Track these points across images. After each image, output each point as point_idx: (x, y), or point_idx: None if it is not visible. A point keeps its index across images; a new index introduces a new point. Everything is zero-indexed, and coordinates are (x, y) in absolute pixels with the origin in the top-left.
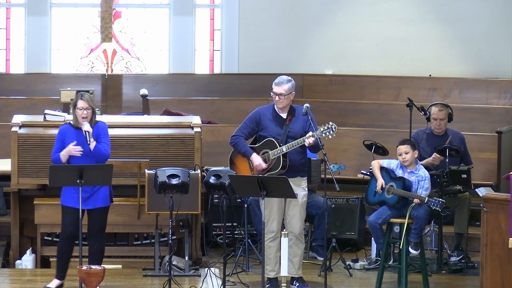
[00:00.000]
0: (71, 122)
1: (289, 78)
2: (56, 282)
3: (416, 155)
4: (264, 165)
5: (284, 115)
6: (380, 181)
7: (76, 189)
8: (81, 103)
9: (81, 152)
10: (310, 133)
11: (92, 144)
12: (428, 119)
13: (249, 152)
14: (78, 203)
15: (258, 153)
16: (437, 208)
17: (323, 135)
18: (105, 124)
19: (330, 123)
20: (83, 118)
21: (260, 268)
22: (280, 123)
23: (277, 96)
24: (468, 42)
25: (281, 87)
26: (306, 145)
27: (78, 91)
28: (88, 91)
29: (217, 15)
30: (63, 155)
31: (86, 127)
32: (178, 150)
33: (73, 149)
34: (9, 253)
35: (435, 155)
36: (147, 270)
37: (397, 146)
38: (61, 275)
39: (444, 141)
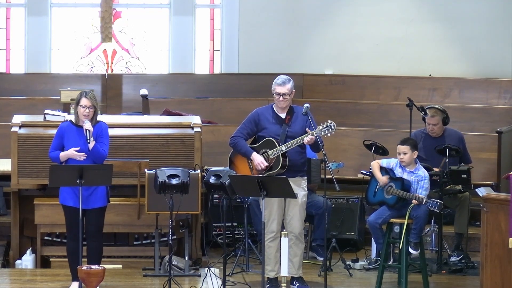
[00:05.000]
0: (72, 120)
1: (288, 77)
2: (75, 284)
3: (415, 156)
4: (265, 164)
5: (283, 115)
6: (383, 178)
7: (73, 188)
8: (84, 101)
9: (85, 157)
10: (309, 131)
11: (91, 143)
12: (424, 120)
13: (249, 152)
14: (77, 202)
15: (257, 153)
16: (435, 210)
17: (322, 133)
18: (106, 125)
19: (329, 121)
20: (84, 116)
21: (260, 268)
22: (279, 123)
23: (281, 97)
24: (468, 42)
25: (285, 86)
26: (305, 143)
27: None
28: (91, 91)
29: (217, 15)
30: (63, 156)
31: (87, 125)
32: (178, 150)
33: (78, 156)
34: (9, 253)
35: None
36: (147, 270)
37: (397, 145)
38: (78, 276)
39: (441, 142)
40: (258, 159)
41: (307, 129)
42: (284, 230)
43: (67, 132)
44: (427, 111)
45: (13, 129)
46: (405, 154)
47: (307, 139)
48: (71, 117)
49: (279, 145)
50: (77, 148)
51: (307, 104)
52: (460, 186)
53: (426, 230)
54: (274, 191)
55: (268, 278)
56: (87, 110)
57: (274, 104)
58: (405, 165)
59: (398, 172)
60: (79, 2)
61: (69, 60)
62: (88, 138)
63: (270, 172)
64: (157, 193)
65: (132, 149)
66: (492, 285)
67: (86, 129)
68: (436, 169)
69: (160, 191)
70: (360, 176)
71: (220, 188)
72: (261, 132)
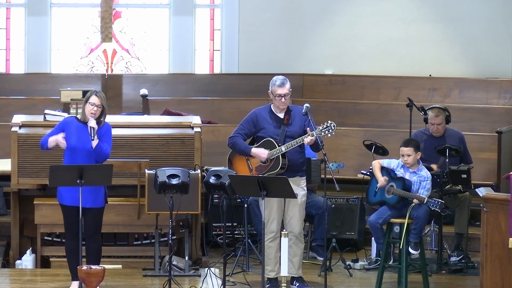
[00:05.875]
0: (78, 116)
1: (284, 77)
2: (75, 284)
3: (418, 157)
4: (266, 152)
5: (281, 115)
6: (382, 178)
7: (72, 187)
8: (93, 99)
9: (64, 144)
10: (309, 132)
11: (95, 141)
12: (426, 121)
13: (248, 148)
14: (75, 201)
15: None
16: (437, 209)
17: (322, 133)
18: (110, 126)
19: (329, 121)
20: (91, 114)
21: (260, 268)
22: (278, 123)
23: (283, 98)
24: (468, 42)
25: (285, 87)
26: (306, 143)
27: (84, 91)
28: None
29: (217, 15)
30: (51, 141)
31: (92, 123)
32: (178, 150)
33: (61, 142)
34: (9, 253)
35: (434, 167)
36: (147, 270)
37: (400, 146)
38: (77, 275)
39: (442, 142)
40: (258, 151)
41: (307, 129)
42: (284, 230)
43: (71, 126)
44: (428, 112)
45: (13, 129)
46: (409, 156)
47: (307, 139)
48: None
49: (279, 146)
50: (63, 134)
51: (307, 104)
52: (460, 186)
53: (426, 230)
54: (274, 191)
55: (268, 278)
56: (95, 109)
57: (271, 105)
58: (409, 167)
59: (400, 173)
60: (79, 2)
61: (69, 60)
62: (92, 135)
63: (270, 173)
64: (157, 193)
65: (132, 149)
66: (492, 285)
67: (90, 127)
68: (433, 166)
69: (160, 191)
70: (360, 176)
71: (220, 188)
72: (260, 132)
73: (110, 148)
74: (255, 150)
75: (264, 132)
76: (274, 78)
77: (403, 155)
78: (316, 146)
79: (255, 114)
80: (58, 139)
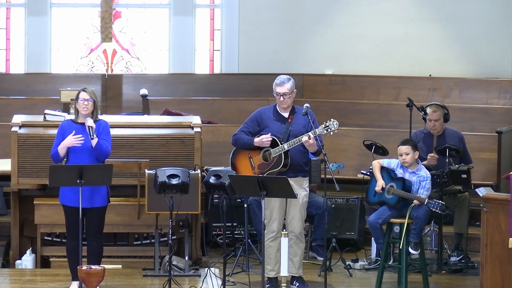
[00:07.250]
0: (72, 118)
1: (288, 76)
2: (75, 284)
3: (417, 156)
4: (268, 137)
5: (286, 115)
6: (380, 182)
7: (74, 188)
8: (82, 94)
9: (83, 141)
10: (310, 133)
11: (95, 140)
12: (425, 120)
13: (251, 139)
14: (77, 202)
15: (259, 151)
16: (437, 210)
17: (325, 131)
18: (107, 122)
19: (332, 119)
20: (83, 110)
21: (260, 268)
22: (282, 122)
23: (281, 97)
24: (468, 42)
25: (284, 86)
26: (303, 142)
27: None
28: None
29: (217, 15)
30: (61, 148)
31: (90, 122)
32: (178, 150)
33: (74, 138)
34: (9, 253)
35: (429, 156)
36: (147, 270)
37: (398, 146)
38: (77, 275)
39: (441, 142)
40: (261, 137)
41: (309, 133)
42: (284, 230)
43: (69, 129)
44: (427, 109)
45: (13, 129)
46: (407, 154)
47: (305, 138)
48: (71, 117)
49: (281, 144)
50: (73, 133)
51: (307, 104)
52: (460, 186)
53: (426, 230)
54: (274, 191)
55: (268, 278)
56: (85, 103)
57: (276, 104)
58: (407, 166)
59: (399, 173)
60: (79, 2)
61: (69, 60)
62: (91, 135)
63: (272, 171)
64: (157, 193)
65: (132, 149)
66: (492, 285)
67: (88, 126)
68: (431, 154)
69: (160, 191)
70: (360, 176)
71: (220, 188)
72: (264, 131)
73: (110, 145)
74: (257, 139)
75: (267, 130)
76: (278, 76)
77: (401, 154)
78: (313, 149)
79: (260, 113)
80: (70, 142)
